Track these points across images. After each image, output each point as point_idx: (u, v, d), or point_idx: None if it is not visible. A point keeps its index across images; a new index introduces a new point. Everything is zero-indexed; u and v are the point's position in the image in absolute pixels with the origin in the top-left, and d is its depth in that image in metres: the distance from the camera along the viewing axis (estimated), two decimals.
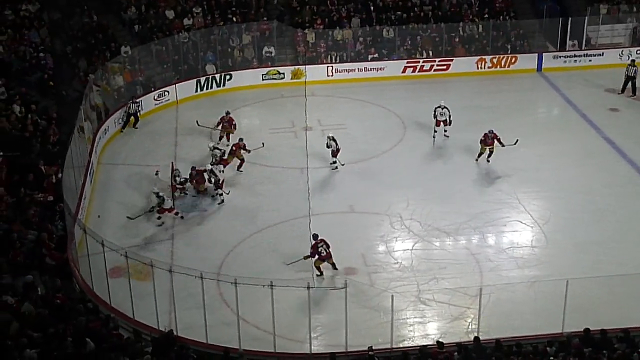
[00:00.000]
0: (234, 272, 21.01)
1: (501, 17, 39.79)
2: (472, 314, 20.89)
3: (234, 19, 38.40)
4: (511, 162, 29.38)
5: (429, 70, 37.97)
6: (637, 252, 23.85)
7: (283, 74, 37.05)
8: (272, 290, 18.88)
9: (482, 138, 29.11)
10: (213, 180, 27.08)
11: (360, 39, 38.43)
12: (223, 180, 27.21)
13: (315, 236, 22.87)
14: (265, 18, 38.58)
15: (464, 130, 31.40)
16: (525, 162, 29.42)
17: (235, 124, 31.15)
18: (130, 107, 32.96)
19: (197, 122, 31.99)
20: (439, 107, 31.19)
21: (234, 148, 28.89)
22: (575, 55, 39.00)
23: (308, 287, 19.05)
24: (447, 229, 25.29)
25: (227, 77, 36.57)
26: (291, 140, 31.47)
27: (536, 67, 38.57)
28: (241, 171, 28.85)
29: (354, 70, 37.54)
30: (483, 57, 38.25)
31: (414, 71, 37.89)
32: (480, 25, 39.21)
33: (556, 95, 35.82)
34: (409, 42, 38.53)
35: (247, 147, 28.93)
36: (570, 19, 39.27)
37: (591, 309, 20.71)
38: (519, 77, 37.73)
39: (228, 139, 30.84)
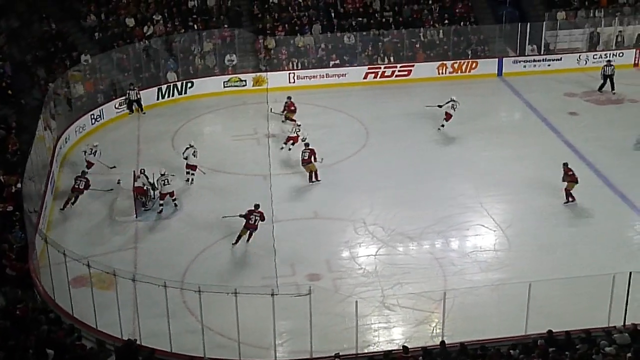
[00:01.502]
0: (198, 279, 20.88)
1: (461, 22, 40.04)
2: (436, 318, 20.93)
3: (195, 26, 38.26)
4: (474, 166, 29.59)
5: (391, 76, 38.10)
6: (599, 254, 24.09)
7: (245, 81, 36.99)
8: (236, 297, 18.79)
9: None
10: (152, 190, 27.05)
11: (322, 45, 38.47)
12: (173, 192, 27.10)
13: (256, 206, 24.55)
14: (226, 25, 38.50)
15: (427, 136, 31.51)
16: (488, 166, 29.63)
17: (295, 108, 33.24)
18: (129, 94, 33.57)
19: (270, 109, 32.61)
20: (451, 101, 32.51)
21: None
22: (534, 60, 39.38)
23: (272, 294, 18.98)
24: (410, 234, 25.35)
25: (189, 84, 36.42)
26: (254, 147, 31.39)
27: (497, 71, 38.86)
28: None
29: (316, 76, 37.58)
30: (444, 62, 38.48)
31: (375, 77, 38.00)
32: (440, 31, 39.44)
33: (517, 99, 36.12)
34: (371, 48, 38.64)
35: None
36: (529, 24, 39.63)
37: (554, 311, 20.86)
38: (479, 82, 37.99)
39: (293, 121, 32.43)
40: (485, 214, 26.58)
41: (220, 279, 21.51)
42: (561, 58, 39.66)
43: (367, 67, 38.09)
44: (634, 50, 39.97)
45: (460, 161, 30.04)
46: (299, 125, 31.11)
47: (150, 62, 36.43)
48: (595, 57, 39.70)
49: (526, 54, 39.63)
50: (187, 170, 28.57)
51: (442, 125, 32.66)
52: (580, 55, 39.84)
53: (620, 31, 40.52)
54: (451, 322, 20.26)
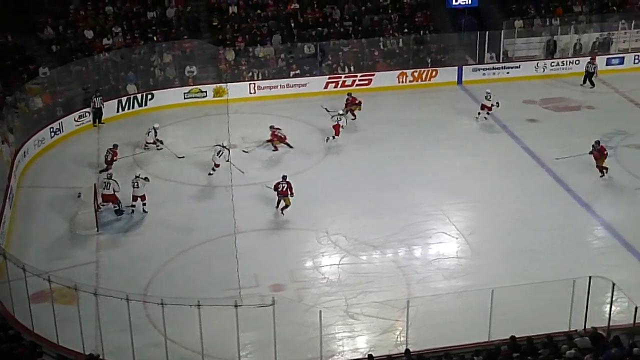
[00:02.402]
0: (161, 292, 20.74)
1: (421, 31, 40.29)
2: (400, 326, 20.92)
3: (155, 38, 38.13)
4: (435, 174, 29.74)
5: (351, 85, 38.20)
6: (560, 259, 24.29)
7: (205, 92, 36.90)
8: (200, 309, 18.69)
9: None
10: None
11: (282, 55, 38.49)
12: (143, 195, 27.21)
13: (283, 177, 26.87)
14: (186, 37, 38.40)
15: (390, 144, 31.64)
16: (449, 174, 29.79)
17: (360, 102, 34.43)
18: (94, 102, 33.52)
19: (324, 108, 33.50)
20: (487, 92, 34.26)
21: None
22: (493, 68, 39.72)
23: (236, 305, 18.88)
24: (373, 243, 25.40)
25: (149, 96, 36.25)
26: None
27: (456, 79, 39.13)
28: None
29: (277, 87, 37.57)
30: (404, 71, 38.68)
31: (336, 86, 38.08)
32: (400, 40, 39.64)
33: (476, 107, 36.33)
34: (331, 58, 38.72)
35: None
36: (487, 32, 39.96)
37: (517, 316, 20.93)
38: (440, 90, 38.22)
39: (354, 115, 34.11)
40: (448, 221, 26.71)
41: (184, 291, 21.33)
42: (519, 66, 40.06)
43: (327, 76, 38.15)
44: (590, 57, 40.36)
45: (421, 169, 30.18)
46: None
47: (109, 74, 36.19)
48: (552, 64, 40.23)
49: (485, 62, 39.97)
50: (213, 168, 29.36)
51: (482, 116, 34.53)
52: (538, 63, 40.29)
53: (577, 39, 41.00)
54: (415, 330, 20.32)
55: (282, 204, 27.37)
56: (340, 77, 38.21)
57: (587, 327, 19.60)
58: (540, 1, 42.55)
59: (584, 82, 38.81)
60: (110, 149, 30.22)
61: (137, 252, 25.22)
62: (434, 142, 32.34)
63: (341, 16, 40.44)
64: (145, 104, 36.12)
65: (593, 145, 29.61)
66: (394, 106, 36.36)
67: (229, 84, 36.95)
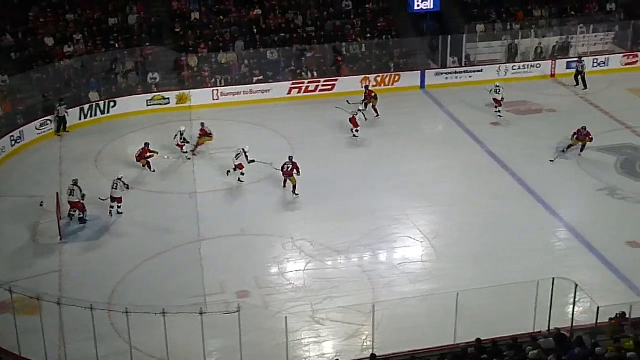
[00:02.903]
0: (126, 300, 20.63)
1: (384, 36, 40.41)
2: (366, 330, 20.97)
3: (117, 45, 37.87)
4: (400, 179, 29.83)
5: (315, 90, 38.22)
6: (524, 261, 24.47)
7: (168, 99, 36.71)
8: (165, 317, 18.59)
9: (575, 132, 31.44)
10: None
11: (245, 61, 38.43)
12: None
13: (290, 157, 28.51)
14: (148, 43, 38.19)
15: (352, 149, 31.72)
16: (413, 178, 29.90)
17: (376, 95, 35.42)
18: (59, 111, 33.27)
19: (347, 101, 34.57)
20: (497, 86, 35.33)
21: None
22: (456, 72, 39.93)
23: (201, 313, 18.82)
24: (338, 248, 25.42)
25: (112, 104, 35.97)
26: (179, 165, 31.14)
27: (419, 84, 39.29)
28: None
29: (240, 93, 37.47)
30: (367, 76, 38.73)
31: (299, 92, 38.07)
32: (363, 45, 39.74)
33: (440, 111, 36.57)
34: (294, 63, 38.73)
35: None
36: (450, 37, 40.18)
37: (483, 319, 21.11)
38: (403, 95, 38.34)
39: (376, 112, 35.20)
40: (412, 225, 26.80)
41: (149, 299, 21.21)
42: (482, 69, 40.31)
43: (290, 82, 38.14)
44: (550, 61, 40.84)
45: (385, 174, 30.25)
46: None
47: (71, 82, 35.91)
48: (514, 68, 40.51)
49: (448, 66, 40.17)
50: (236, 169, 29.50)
51: (499, 112, 35.36)
52: (500, 67, 40.56)
53: (538, 43, 41.37)
54: (381, 335, 20.34)
55: (290, 184, 28.44)
56: (304, 83, 38.20)
57: (551, 328, 19.73)
58: (501, 5, 42.89)
59: (577, 82, 39.29)
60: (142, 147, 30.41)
61: (101, 260, 25.02)
62: (398, 147, 32.44)
63: (304, 22, 40.45)
64: (108, 112, 35.84)
65: (580, 131, 31.15)
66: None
67: (192, 90, 36.84)
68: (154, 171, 30.20)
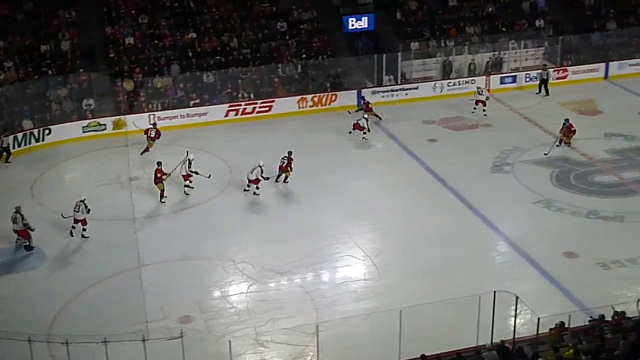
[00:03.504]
0: (66, 331, 20.29)
1: (319, 56, 40.57)
2: (311, 351, 20.92)
3: (49, 71, 37.41)
4: (340, 198, 29.91)
5: (252, 112, 38.17)
6: (466, 275, 24.69)
7: (104, 125, 36.32)
8: (106, 346, 18.32)
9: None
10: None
11: (181, 85, 38.25)
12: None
13: (289, 152, 30.78)
14: (82, 70, 37.81)
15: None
16: (353, 197, 30.00)
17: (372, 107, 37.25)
18: (3, 141, 32.96)
19: (348, 112, 36.71)
20: (478, 88, 38.07)
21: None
22: (392, 90, 40.21)
23: (143, 340, 18.61)
24: (280, 269, 25.34)
25: (46, 131, 35.46)
26: (117, 191, 30.81)
27: (356, 103, 39.46)
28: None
29: (177, 117, 37.25)
30: (304, 96, 38.82)
31: (236, 114, 37.98)
32: (299, 66, 39.85)
33: (377, 129, 36.75)
34: (230, 85, 38.67)
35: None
36: (385, 55, 40.49)
37: (427, 335, 21.19)
38: (340, 114, 38.41)
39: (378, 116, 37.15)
40: (354, 244, 26.85)
41: (89, 329, 20.88)
42: (417, 87, 40.67)
43: (227, 104, 38.04)
44: (484, 77, 41.41)
45: (325, 193, 30.30)
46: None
47: (3, 110, 35.35)
48: (449, 84, 40.96)
49: (384, 85, 40.44)
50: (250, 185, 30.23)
51: (483, 112, 37.72)
52: (435, 84, 40.98)
53: (472, 59, 41.94)
54: (326, 354, 20.33)
55: (283, 176, 30.49)
56: (241, 105, 38.13)
57: (494, 341, 19.89)
58: (434, 23, 43.41)
59: (539, 90, 40.77)
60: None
61: (39, 290, 24.54)
62: (336, 166, 32.52)
63: (239, 44, 40.44)
64: (43, 139, 35.32)
65: (563, 123, 33.89)
66: (295, 131, 36.47)
67: (128, 115, 36.52)
68: (163, 202, 29.72)
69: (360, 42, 41.86)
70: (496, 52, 42.59)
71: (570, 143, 33.96)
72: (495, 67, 42.39)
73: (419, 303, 21.64)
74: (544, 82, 40.93)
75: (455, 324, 21.61)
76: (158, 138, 34.20)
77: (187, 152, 30.53)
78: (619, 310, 20.82)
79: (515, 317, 20.39)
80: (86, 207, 27.24)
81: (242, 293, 24.34)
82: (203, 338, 21.61)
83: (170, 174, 29.89)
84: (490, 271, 25.28)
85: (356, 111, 37.45)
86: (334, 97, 39.26)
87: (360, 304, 23.57)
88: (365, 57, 41.30)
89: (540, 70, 41.30)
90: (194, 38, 40.18)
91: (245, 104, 38.23)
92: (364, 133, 35.13)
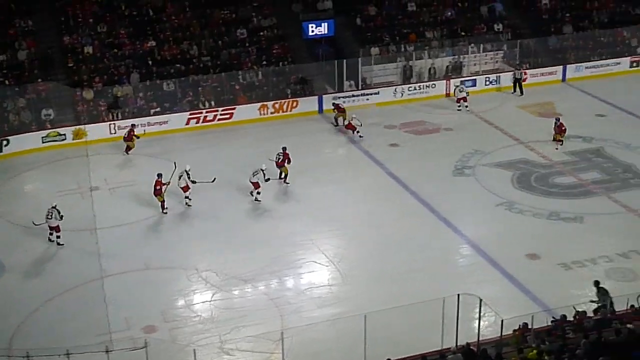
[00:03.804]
0: (28, 344, 20.08)
1: (280, 63, 40.55)
2: (277, 358, 20.83)
3: (6, 82, 37.00)
4: (302, 204, 29.92)
5: (213, 120, 38.05)
6: (430, 279, 24.81)
7: (64, 135, 35.98)
8: (69, 358, 18.13)
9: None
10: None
11: (141, 94, 38.02)
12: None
13: (283, 148, 31.46)
14: (40, 79, 37.44)
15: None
16: (315, 203, 30.01)
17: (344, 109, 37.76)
18: None
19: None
20: (458, 86, 39.32)
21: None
22: (353, 95, 40.29)
23: (107, 351, 18.46)
24: (244, 277, 25.26)
25: (4, 142, 35.02)
26: (78, 201, 30.52)
27: (317, 109, 39.51)
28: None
29: (137, 125, 36.97)
30: (265, 103, 38.78)
31: (197, 122, 37.82)
32: (259, 72, 39.81)
33: (339, 135, 36.82)
34: (191, 93, 38.51)
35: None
36: (345, 61, 40.57)
37: (392, 339, 21.24)
38: (302, 120, 38.52)
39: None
40: (317, 250, 26.85)
41: (52, 341, 20.67)
42: (378, 92, 40.80)
43: (188, 112, 37.88)
44: (445, 81, 41.66)
45: (288, 200, 30.31)
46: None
47: None
48: (410, 89, 41.13)
49: (345, 90, 40.50)
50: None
51: (466, 107, 39.16)
52: (396, 88, 41.14)
53: (432, 64, 42.17)
54: None
55: (282, 174, 30.76)
56: (202, 113, 37.99)
57: (459, 344, 19.97)
58: (393, 28, 43.59)
59: (514, 90, 41.59)
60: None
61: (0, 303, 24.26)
62: (298, 172, 32.47)
63: (199, 52, 40.32)
64: (1, 151, 34.90)
65: (555, 122, 35.00)
66: (257, 139, 36.41)
67: (88, 125, 36.22)
68: (165, 212, 29.43)
69: (320, 48, 41.92)
70: (456, 56, 42.88)
71: (562, 141, 34.78)
72: (455, 71, 42.66)
73: (384, 308, 21.67)
74: (517, 82, 41.65)
75: (420, 328, 21.67)
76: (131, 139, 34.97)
77: (175, 163, 30.49)
78: (580, 310, 21.05)
79: (480, 320, 20.47)
80: (59, 212, 27.06)
81: (206, 301, 24.23)
82: (167, 347, 21.47)
83: (169, 184, 29.56)
84: (454, 274, 25.41)
85: (337, 119, 37.84)
86: (295, 103, 39.26)
87: (325, 310, 23.57)
88: (325, 62, 41.37)
89: (514, 70, 42.04)
90: (154, 46, 40.00)
91: (206, 112, 38.09)
92: (358, 132, 35.96)
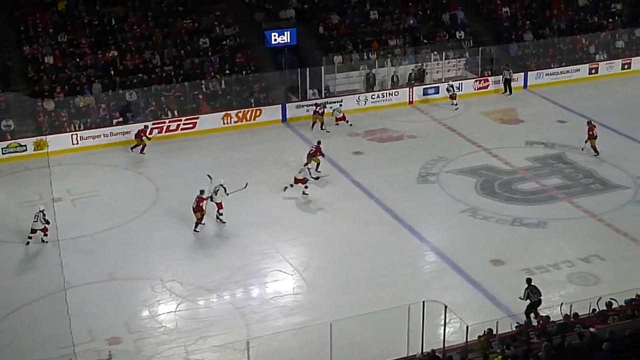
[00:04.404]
0: None
1: (242, 71, 40.48)
2: None
3: None
4: (266, 213, 29.84)
5: (176, 129, 37.85)
6: (395, 286, 24.91)
7: (25, 146, 35.59)
8: None
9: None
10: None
11: (104, 104, 37.73)
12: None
13: (318, 142, 33.42)
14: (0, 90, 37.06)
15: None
16: (280, 211, 30.01)
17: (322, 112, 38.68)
18: None
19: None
20: (450, 85, 40.98)
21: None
22: (316, 104, 40.25)
23: None
24: (209, 286, 25.16)
25: None
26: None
27: (281, 117, 39.47)
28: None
29: (100, 136, 36.69)
30: (228, 112, 38.68)
31: (160, 132, 37.61)
32: (222, 81, 39.71)
33: (303, 143, 36.78)
34: (154, 103, 38.30)
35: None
36: (308, 69, 40.60)
37: (358, 347, 21.28)
38: (265, 129, 38.45)
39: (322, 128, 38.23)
40: (282, 258, 26.82)
41: (13, 356, 20.43)
42: (342, 100, 40.83)
43: (151, 122, 37.64)
44: (408, 88, 41.83)
45: (252, 209, 30.18)
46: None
47: None
48: (373, 97, 41.26)
49: (308, 98, 40.49)
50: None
51: (456, 105, 40.55)
52: (359, 96, 41.23)
53: (395, 71, 42.34)
54: None
55: (309, 164, 31.99)
56: (165, 122, 37.80)
57: (425, 351, 20.01)
58: (356, 36, 43.70)
59: (505, 90, 42.89)
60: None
61: None
62: (262, 181, 32.42)
63: (162, 61, 40.12)
64: None
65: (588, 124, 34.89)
66: (221, 148, 36.32)
67: (49, 136, 35.85)
68: (197, 231, 28.67)
69: (283, 56, 41.91)
70: (419, 64, 43.08)
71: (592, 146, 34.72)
72: (418, 78, 42.85)
73: (349, 316, 21.70)
74: (507, 82, 42.75)
75: (385, 335, 21.71)
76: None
77: (209, 176, 29.92)
78: (543, 315, 21.22)
79: (445, 326, 20.55)
80: (44, 216, 27.64)
81: (171, 312, 24.09)
82: (132, 359, 21.31)
83: (210, 199, 29.00)
84: (419, 281, 25.50)
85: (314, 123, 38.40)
86: (259, 112, 39.20)
87: (290, 319, 23.53)
88: (288, 71, 41.37)
89: (504, 70, 42.95)
90: (116, 56, 39.73)
91: (169, 122, 37.90)
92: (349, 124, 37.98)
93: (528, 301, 22.82)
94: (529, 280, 23.13)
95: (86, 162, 34.55)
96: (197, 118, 38.30)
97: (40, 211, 27.58)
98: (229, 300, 24.64)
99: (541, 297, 22.82)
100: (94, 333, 22.75)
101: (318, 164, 33.00)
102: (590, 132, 34.38)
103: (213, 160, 34.25)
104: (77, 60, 39.26)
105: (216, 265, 26.34)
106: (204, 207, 28.63)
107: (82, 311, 23.38)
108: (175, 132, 37.73)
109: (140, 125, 36.24)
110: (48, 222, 27.56)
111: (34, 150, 35.64)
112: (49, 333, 22.53)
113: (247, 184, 30.12)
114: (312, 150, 33.30)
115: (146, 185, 32.48)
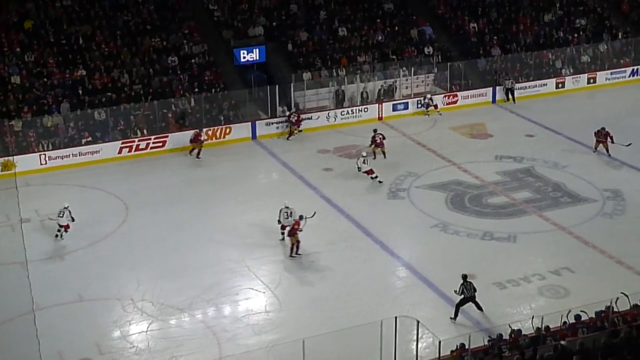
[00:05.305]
0: None
1: (212, 89, 40.43)
2: None
3: None
4: (237, 231, 29.75)
5: (146, 148, 37.66)
6: (367, 302, 24.93)
7: None
8: None
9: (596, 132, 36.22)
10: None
11: (72, 123, 37.49)
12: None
13: (374, 130, 36.58)
14: None
15: (188, 204, 31.47)
16: (250, 230, 29.90)
17: (297, 122, 39.53)
18: None
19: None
20: (428, 99, 42.01)
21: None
22: (286, 121, 40.27)
23: None
24: (180, 305, 25.02)
25: None
26: (8, 234, 29.91)
27: (251, 135, 39.41)
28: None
29: (69, 155, 36.40)
30: (198, 130, 38.53)
31: (130, 151, 37.40)
32: (192, 99, 39.61)
33: (273, 160, 36.79)
34: (123, 122, 38.12)
35: None
36: (277, 86, 40.62)
37: None
38: (235, 147, 38.36)
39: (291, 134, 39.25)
40: (253, 276, 26.74)
41: None
42: (311, 117, 40.85)
43: (120, 141, 37.44)
44: (377, 104, 41.97)
45: (222, 227, 30.09)
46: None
47: None
48: (342, 113, 41.32)
49: (278, 115, 40.47)
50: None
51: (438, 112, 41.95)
52: (329, 113, 41.28)
53: (364, 87, 42.48)
54: None
55: (375, 154, 35.49)
56: (134, 141, 37.61)
57: None
58: (325, 53, 43.81)
59: (507, 99, 43.77)
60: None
61: None
62: (232, 199, 32.36)
63: (130, 80, 39.97)
64: None
65: (600, 131, 36.11)
66: (190, 166, 36.20)
67: (17, 156, 35.52)
68: (294, 256, 28.02)
69: (252, 74, 41.91)
70: (388, 80, 43.25)
71: (606, 148, 36.18)
72: (387, 94, 43.02)
73: (321, 332, 21.68)
74: (509, 92, 43.72)
75: (358, 351, 21.70)
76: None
77: (315, 213, 29.51)
78: (515, 328, 21.29)
79: (417, 342, 20.59)
80: (70, 213, 29.14)
81: (142, 331, 23.92)
82: None
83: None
84: (391, 297, 25.51)
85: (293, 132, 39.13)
86: (228, 129, 39.11)
87: (262, 337, 23.45)
88: (258, 88, 41.36)
89: (505, 80, 43.92)
90: (84, 75, 39.51)
91: (139, 140, 37.71)
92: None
93: (462, 296, 23.72)
94: (464, 277, 23.92)
95: (54, 182, 34.26)
96: (167, 136, 38.13)
97: (65, 207, 29.01)
98: (200, 319, 24.51)
99: (475, 294, 23.76)
100: (64, 355, 22.57)
101: (384, 153, 36.07)
102: (607, 137, 35.99)
103: (181, 178, 34.12)
104: (45, 79, 39.00)
105: (187, 283, 26.19)
106: (298, 232, 28.06)
107: (52, 333, 23.19)
108: (145, 151, 37.52)
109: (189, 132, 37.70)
110: (73, 220, 29.11)
111: (1, 170, 35.27)
112: (17, 356, 22.29)
113: (315, 212, 29.60)
114: (377, 140, 35.99)
115: (116, 205, 32.25)
